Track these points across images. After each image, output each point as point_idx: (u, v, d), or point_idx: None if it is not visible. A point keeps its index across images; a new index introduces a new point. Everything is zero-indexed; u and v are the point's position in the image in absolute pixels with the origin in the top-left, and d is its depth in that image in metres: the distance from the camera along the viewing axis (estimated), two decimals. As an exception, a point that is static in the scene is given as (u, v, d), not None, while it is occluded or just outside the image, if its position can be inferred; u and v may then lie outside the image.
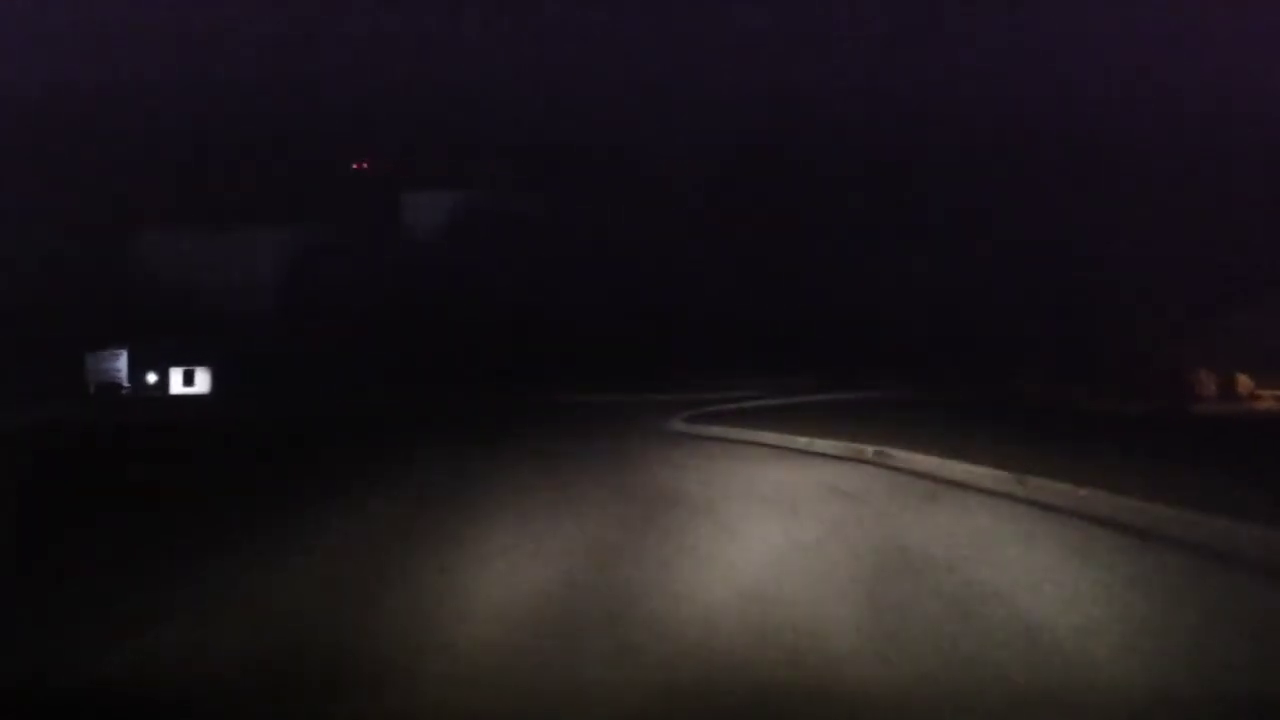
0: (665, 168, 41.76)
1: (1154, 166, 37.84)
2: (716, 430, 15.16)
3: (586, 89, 41.90)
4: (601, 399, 28.35)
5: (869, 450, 10.84)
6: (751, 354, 36.79)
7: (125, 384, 41.66)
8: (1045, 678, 3.73)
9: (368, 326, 38.68)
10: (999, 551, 5.91)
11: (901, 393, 27.97)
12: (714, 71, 40.67)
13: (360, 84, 40.58)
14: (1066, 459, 9.06)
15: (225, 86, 39.80)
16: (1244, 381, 22.62)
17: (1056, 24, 39.83)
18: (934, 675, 3.77)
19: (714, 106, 40.76)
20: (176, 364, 42.65)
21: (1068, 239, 37.28)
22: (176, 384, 43.02)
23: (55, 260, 39.31)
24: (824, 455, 11.51)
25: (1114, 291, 35.39)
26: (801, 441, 12.44)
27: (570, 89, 42.09)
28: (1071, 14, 39.71)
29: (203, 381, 42.65)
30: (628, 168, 42.65)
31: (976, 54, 39.26)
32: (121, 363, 41.90)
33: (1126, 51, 38.36)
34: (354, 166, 45.18)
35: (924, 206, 39.90)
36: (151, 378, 42.44)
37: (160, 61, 39.23)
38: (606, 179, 43.48)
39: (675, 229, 40.68)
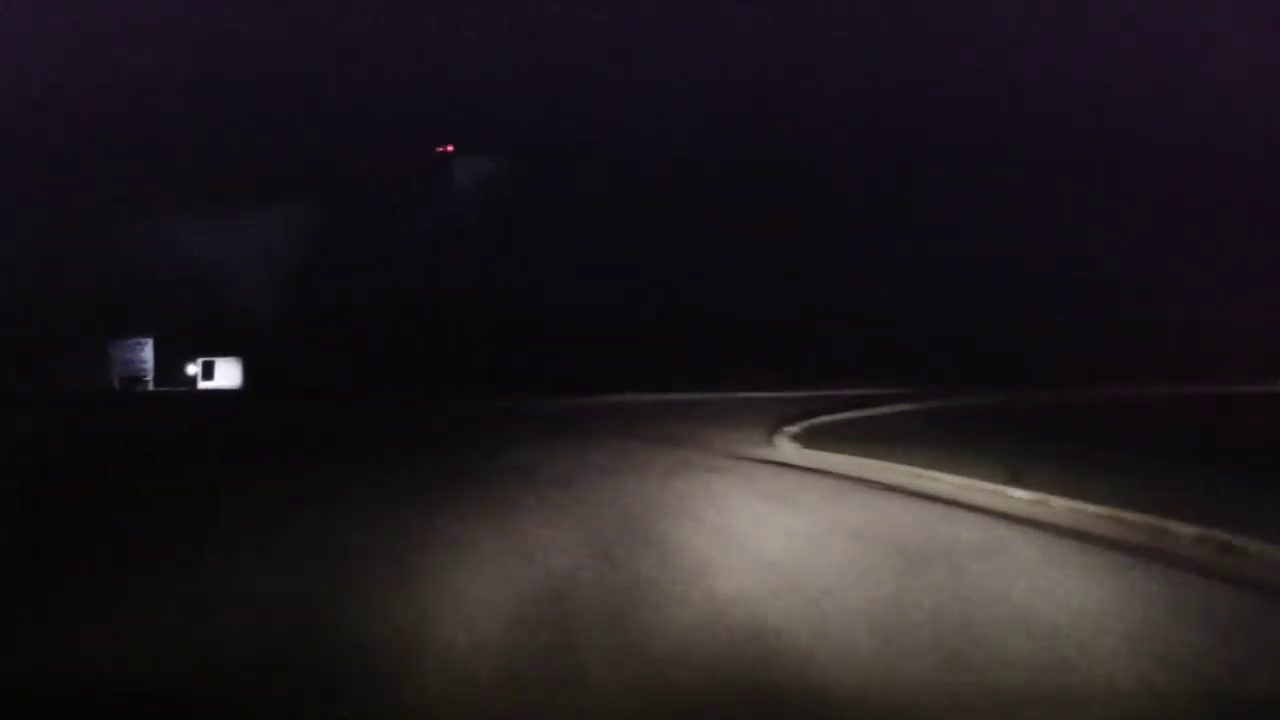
0: (665, 168, 41.76)
1: (1155, 166, 37.89)
2: (839, 460, 10.51)
3: (586, 89, 41.90)
4: (651, 400, 25.97)
5: (1186, 533, 5.77)
6: (788, 354, 36.14)
7: (148, 377, 39.78)
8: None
9: (379, 322, 38.30)
10: None
11: (1008, 397, 24.42)
12: (714, 71, 40.65)
13: (360, 84, 40.58)
14: None
15: (226, 85, 39.81)
16: None
17: (1056, 24, 39.83)
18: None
19: (714, 106, 40.76)
20: (206, 354, 40.55)
21: (1143, 254, 37.09)
22: (215, 376, 40.79)
23: (83, 248, 38.62)
24: (1088, 537, 6.01)
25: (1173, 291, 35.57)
26: (1018, 499, 7.36)
27: (570, 89, 42.09)
28: (1071, 14, 39.71)
29: (230, 374, 40.35)
30: (628, 167, 42.66)
31: (976, 54, 39.25)
32: (147, 353, 39.96)
33: (1126, 52, 38.37)
34: (438, 150, 44.96)
35: (956, 204, 39.70)
36: (191, 369, 40.33)
37: (168, 56, 39.28)
38: (606, 177, 43.51)
39: (678, 228, 40.66)
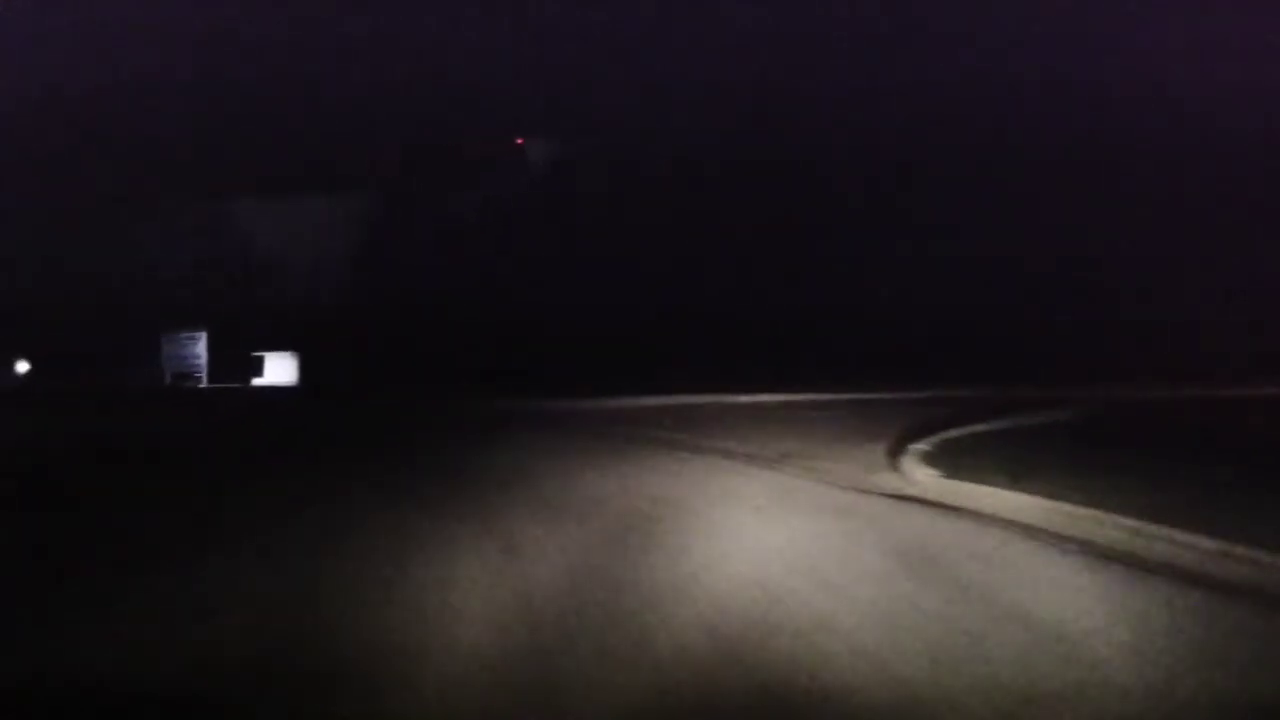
0: (665, 168, 41.79)
1: (1155, 166, 37.93)
2: (1002, 499, 7.69)
3: (586, 89, 41.93)
4: (676, 403, 23.47)
5: None
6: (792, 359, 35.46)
7: (199, 374, 37.85)
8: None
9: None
10: None
11: (1081, 411, 19.85)
12: (714, 71, 40.66)
13: (360, 83, 40.58)
14: None
15: (226, 85, 39.83)
16: None
17: (1056, 24, 39.85)
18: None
19: (714, 106, 40.78)
20: (261, 349, 38.48)
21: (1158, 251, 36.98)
22: (264, 373, 38.67)
23: (140, 235, 37.79)
24: None
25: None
26: None
27: (570, 89, 42.12)
28: (1071, 14, 39.73)
29: (285, 370, 38.37)
30: (627, 167, 42.68)
31: (976, 54, 39.28)
32: (200, 348, 38.09)
33: (1126, 52, 38.40)
34: (517, 141, 44.87)
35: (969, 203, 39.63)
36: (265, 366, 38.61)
37: (168, 56, 39.35)
38: (606, 177, 43.54)
39: (678, 228, 40.67)
